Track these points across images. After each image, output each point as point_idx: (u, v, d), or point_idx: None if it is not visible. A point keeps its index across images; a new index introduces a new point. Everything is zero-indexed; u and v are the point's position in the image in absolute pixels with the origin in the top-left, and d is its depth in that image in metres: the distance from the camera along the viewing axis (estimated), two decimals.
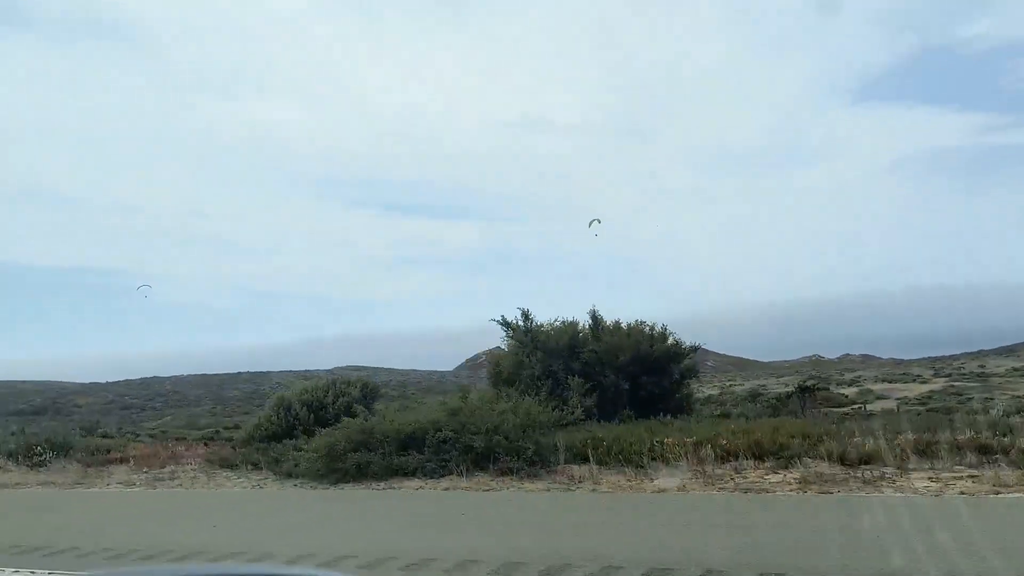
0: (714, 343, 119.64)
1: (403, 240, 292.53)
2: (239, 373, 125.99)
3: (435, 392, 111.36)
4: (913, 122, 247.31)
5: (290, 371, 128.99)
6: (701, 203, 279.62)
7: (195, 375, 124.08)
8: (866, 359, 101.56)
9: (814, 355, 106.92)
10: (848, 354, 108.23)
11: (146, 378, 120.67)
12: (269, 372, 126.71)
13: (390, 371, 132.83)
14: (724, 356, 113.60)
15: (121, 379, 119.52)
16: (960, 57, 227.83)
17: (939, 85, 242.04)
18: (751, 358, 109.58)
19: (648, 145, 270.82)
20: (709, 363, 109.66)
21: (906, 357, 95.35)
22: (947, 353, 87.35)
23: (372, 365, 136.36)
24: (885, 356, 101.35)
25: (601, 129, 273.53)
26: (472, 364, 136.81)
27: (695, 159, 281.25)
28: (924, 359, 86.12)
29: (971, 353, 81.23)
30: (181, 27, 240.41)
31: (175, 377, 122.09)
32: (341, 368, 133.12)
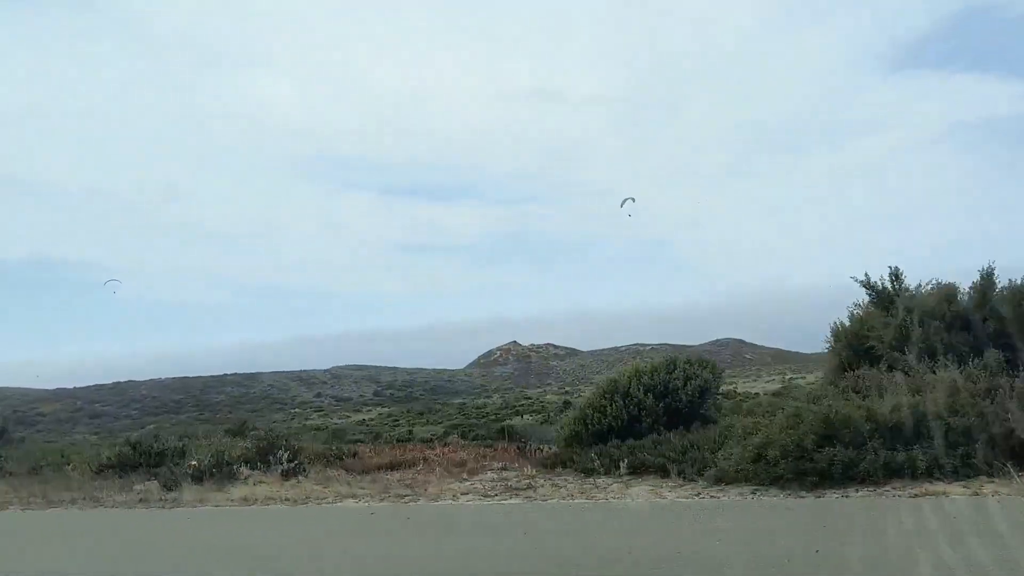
0: (750, 334, 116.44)
1: (405, 226, 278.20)
2: (224, 375, 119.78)
3: (445, 392, 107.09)
4: (956, 91, 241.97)
5: (283, 372, 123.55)
6: (732, 181, 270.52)
7: (174, 378, 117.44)
8: None
9: None
10: None
11: (119, 382, 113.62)
12: (259, 374, 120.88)
13: (395, 370, 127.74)
14: (762, 348, 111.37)
15: (91, 384, 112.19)
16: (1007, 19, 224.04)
17: (984, 51, 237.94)
18: (791, 350, 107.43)
19: (674, 119, 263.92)
20: (747, 356, 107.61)
21: None
22: None
23: (375, 364, 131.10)
24: None
25: (623, 103, 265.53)
26: (485, 361, 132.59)
27: (725, 134, 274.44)
28: None
29: None
30: None
31: (152, 381, 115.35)
32: (341, 367, 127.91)
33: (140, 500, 13.37)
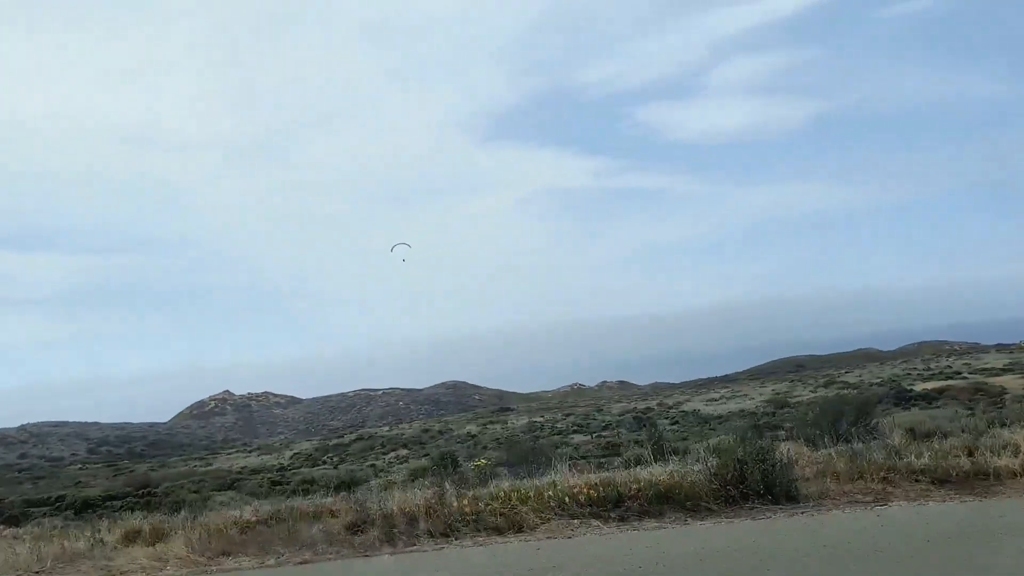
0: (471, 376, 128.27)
1: None
2: None
3: (169, 445, 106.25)
4: (539, 163, 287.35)
5: None
6: (344, 232, 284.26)
7: None
8: (624, 385, 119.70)
9: (575, 384, 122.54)
10: (605, 381, 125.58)
11: None
12: None
13: (100, 425, 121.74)
14: (487, 389, 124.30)
15: None
16: (581, 102, 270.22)
17: (564, 127, 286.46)
18: (510, 390, 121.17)
19: (288, 168, 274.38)
20: (475, 396, 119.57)
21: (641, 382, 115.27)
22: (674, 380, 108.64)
23: (72, 420, 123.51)
24: (642, 382, 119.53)
25: (226, 149, 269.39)
26: (199, 412, 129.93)
27: (337, 186, 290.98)
28: (684, 383, 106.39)
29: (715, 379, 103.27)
30: None
31: None
32: (34, 424, 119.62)
33: None
